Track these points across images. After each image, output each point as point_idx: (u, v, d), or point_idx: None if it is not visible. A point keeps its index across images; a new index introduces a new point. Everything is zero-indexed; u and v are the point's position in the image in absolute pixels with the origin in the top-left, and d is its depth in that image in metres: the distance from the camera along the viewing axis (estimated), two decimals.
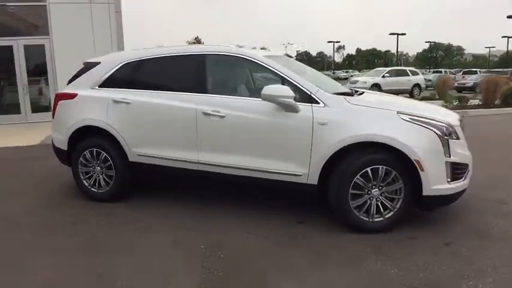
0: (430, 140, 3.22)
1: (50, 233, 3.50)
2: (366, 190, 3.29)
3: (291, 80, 3.53)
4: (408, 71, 20.80)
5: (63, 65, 10.53)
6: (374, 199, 3.30)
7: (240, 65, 3.72)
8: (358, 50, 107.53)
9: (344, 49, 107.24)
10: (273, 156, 3.52)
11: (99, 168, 4.24)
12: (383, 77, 19.87)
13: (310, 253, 3.04)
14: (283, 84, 3.51)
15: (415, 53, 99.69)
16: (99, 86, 4.28)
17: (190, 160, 3.83)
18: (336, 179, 3.31)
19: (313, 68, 4.93)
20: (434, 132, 3.22)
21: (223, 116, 3.64)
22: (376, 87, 19.57)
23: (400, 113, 3.30)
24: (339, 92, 3.82)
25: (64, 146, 4.40)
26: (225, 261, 2.95)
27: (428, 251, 3.03)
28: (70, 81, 4.52)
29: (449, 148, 3.23)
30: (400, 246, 3.12)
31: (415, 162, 3.17)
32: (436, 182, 3.21)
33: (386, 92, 19.62)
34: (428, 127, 3.24)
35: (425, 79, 22.31)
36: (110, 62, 4.32)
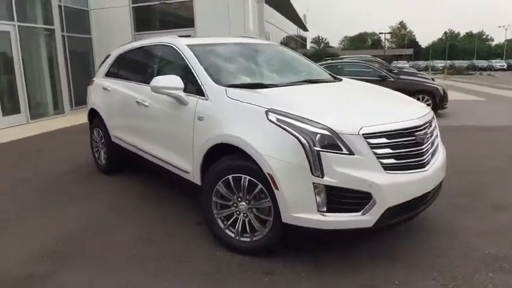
0: (290, 150, 2.40)
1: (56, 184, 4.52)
2: (232, 202, 2.78)
3: (192, 70, 3.24)
4: None
5: None
6: (241, 214, 2.75)
7: (173, 55, 3.61)
8: None
9: None
10: (174, 150, 3.36)
11: (101, 144, 4.93)
12: None
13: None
14: (187, 73, 3.27)
15: None
16: (105, 75, 4.91)
17: (134, 145, 4.04)
18: (204, 183, 2.94)
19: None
20: (298, 139, 2.38)
21: (147, 106, 3.68)
22: None
23: (270, 112, 2.55)
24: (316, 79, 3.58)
25: (89, 125, 5.30)
26: (67, 241, 3.09)
27: None
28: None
29: (321, 164, 2.35)
30: (244, 277, 2.54)
31: (268, 177, 2.48)
32: (298, 208, 2.42)
33: None
34: (292, 132, 2.41)
35: None
36: (113, 55, 4.88)
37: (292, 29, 31.51)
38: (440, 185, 2.98)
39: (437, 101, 8.96)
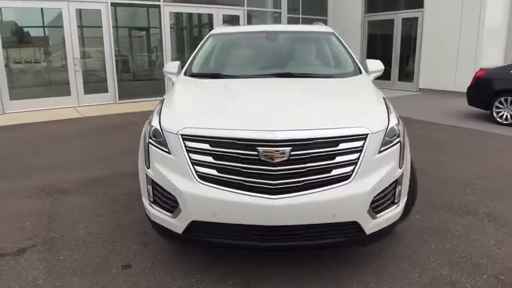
0: (143, 139, 2.62)
1: None
2: None
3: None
4: None
5: (430, 38, 11.14)
6: None
7: None
8: None
9: None
10: None
11: None
12: None
13: None
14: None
15: None
16: None
17: None
18: None
19: None
20: (144, 129, 2.64)
21: None
22: None
23: (160, 102, 2.81)
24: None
25: None
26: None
27: None
28: None
29: (149, 156, 2.43)
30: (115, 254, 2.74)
31: None
32: (143, 193, 2.62)
33: None
34: (148, 122, 2.63)
35: None
36: None
37: None
38: (328, 232, 2.21)
39: None
